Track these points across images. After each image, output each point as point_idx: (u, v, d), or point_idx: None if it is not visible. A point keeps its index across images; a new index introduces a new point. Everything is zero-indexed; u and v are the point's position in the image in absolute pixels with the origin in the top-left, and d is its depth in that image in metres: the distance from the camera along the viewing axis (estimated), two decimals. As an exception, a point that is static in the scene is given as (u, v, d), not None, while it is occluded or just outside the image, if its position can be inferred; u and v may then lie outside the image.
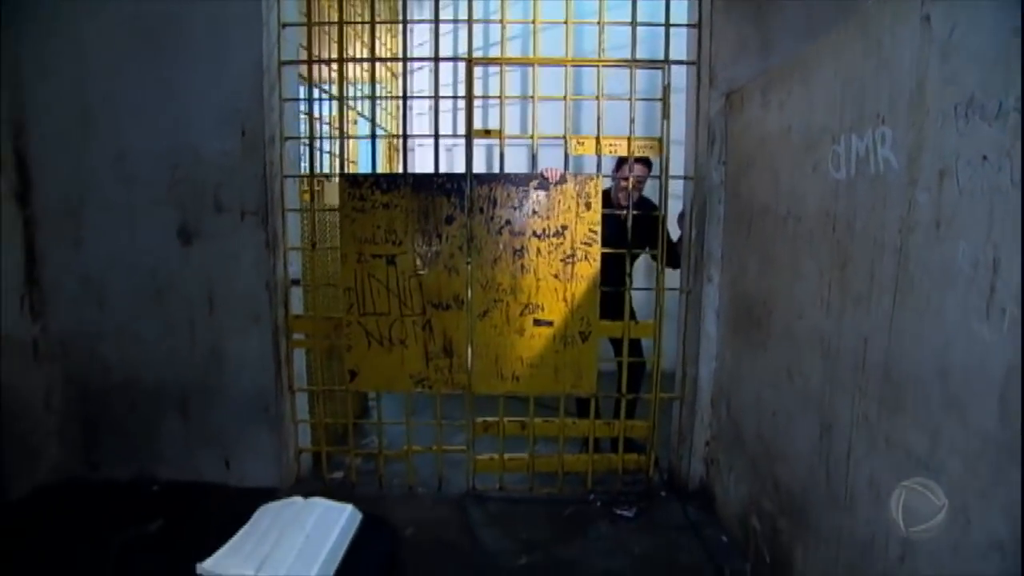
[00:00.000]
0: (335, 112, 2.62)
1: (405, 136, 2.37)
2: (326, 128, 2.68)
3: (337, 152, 2.51)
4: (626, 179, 2.36)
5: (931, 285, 1.11)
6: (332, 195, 2.73)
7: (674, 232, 2.50)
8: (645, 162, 2.43)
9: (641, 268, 2.61)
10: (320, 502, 1.24)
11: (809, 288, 1.56)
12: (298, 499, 1.27)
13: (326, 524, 1.17)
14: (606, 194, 2.54)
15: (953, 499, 1.04)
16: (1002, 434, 0.95)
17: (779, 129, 1.74)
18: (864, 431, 1.31)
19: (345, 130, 2.40)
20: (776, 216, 1.76)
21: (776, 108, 1.77)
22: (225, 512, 2.22)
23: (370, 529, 1.22)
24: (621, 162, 2.44)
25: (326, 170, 2.75)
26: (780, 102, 1.74)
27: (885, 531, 1.23)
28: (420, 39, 2.94)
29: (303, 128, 2.41)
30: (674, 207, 2.44)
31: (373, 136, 2.36)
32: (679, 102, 2.35)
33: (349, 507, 1.23)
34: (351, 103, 2.82)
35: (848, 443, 1.37)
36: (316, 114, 2.41)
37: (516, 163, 2.41)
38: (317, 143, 2.47)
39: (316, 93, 2.44)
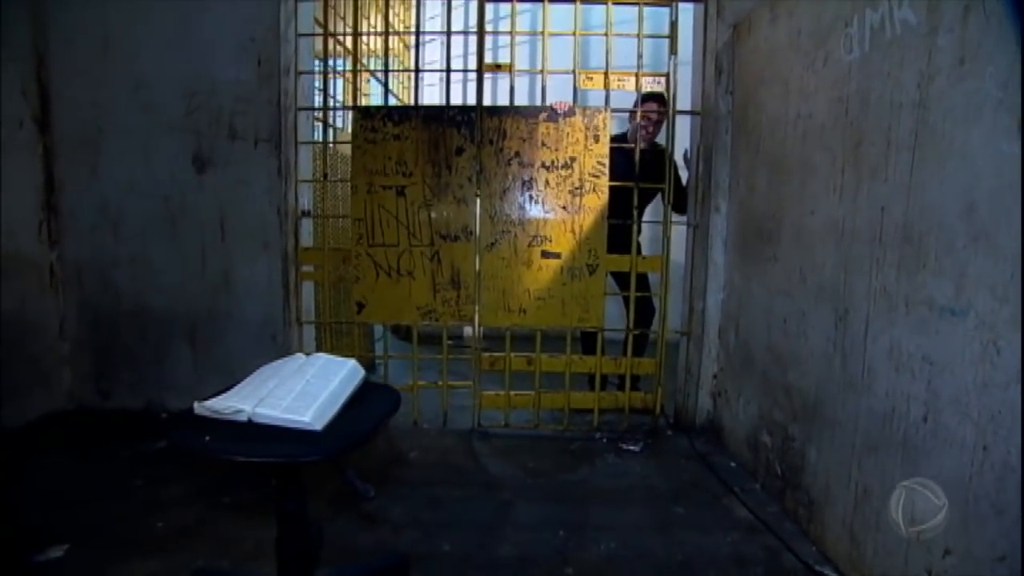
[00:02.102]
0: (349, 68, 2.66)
1: (418, 70, 2.40)
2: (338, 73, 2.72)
3: (350, 92, 2.53)
4: (646, 115, 2.37)
5: (954, 125, 1.09)
6: (344, 140, 2.77)
7: (682, 175, 2.49)
8: (661, 101, 2.43)
9: (649, 214, 2.60)
10: (322, 356, 1.22)
11: (821, 181, 1.54)
12: (300, 355, 1.25)
13: (327, 373, 1.15)
14: (621, 138, 2.55)
15: (982, 335, 1.01)
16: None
17: (788, 37, 1.74)
18: (883, 303, 1.28)
19: (358, 52, 2.41)
20: (786, 123, 1.75)
21: (785, 18, 1.77)
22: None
23: (373, 387, 1.21)
24: (643, 101, 2.44)
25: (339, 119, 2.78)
26: (789, 11, 1.75)
27: (906, 396, 1.20)
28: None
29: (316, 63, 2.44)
30: (680, 149, 2.44)
31: (387, 70, 2.39)
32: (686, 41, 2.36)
33: (352, 361, 1.21)
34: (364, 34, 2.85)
35: (865, 322, 1.34)
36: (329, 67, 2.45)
37: (526, 97, 2.41)
38: (330, 81, 2.50)
39: (331, 43, 2.47)
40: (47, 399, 2.34)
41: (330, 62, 2.49)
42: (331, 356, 1.23)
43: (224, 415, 1.06)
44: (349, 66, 2.51)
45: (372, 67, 3.26)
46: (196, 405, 1.09)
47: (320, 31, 2.40)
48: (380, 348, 2.64)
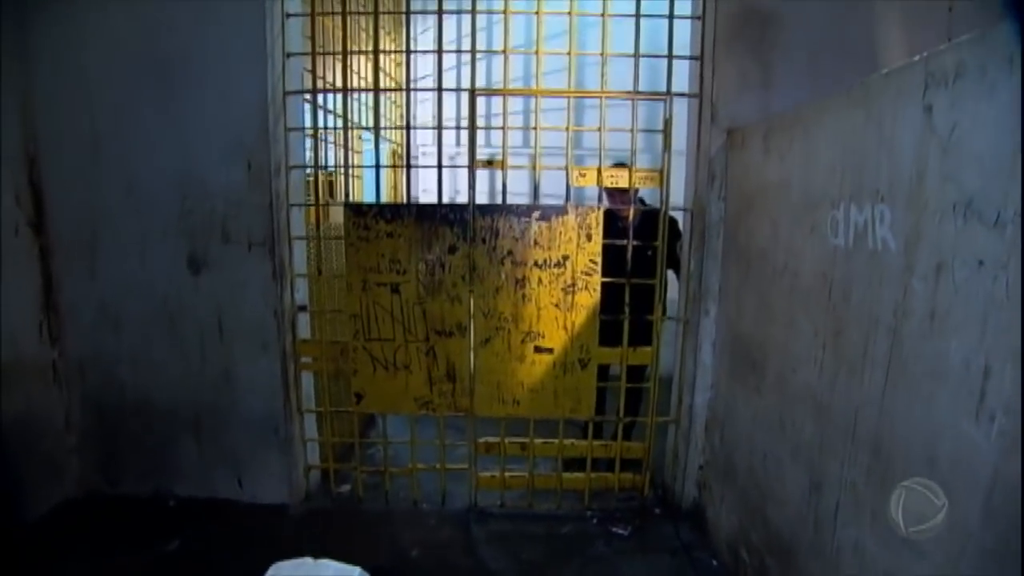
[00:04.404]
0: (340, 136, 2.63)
1: (409, 166, 2.38)
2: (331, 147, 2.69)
3: (342, 178, 2.52)
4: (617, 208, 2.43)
5: (923, 374, 1.13)
6: (338, 215, 2.76)
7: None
8: (625, 168, 2.44)
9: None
10: (330, 564, 1.31)
11: (804, 345, 1.58)
12: (308, 560, 1.34)
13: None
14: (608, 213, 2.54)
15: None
16: (985, 537, 0.99)
17: (779, 180, 1.74)
18: (852, 496, 1.36)
19: (350, 146, 2.39)
20: (774, 266, 1.77)
21: (777, 158, 1.77)
22: (238, 530, 2.34)
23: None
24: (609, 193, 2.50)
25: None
26: (780, 153, 1.74)
27: (869, 594, 1.29)
28: (424, 66, 2.95)
29: (307, 155, 2.43)
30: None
31: (377, 166, 2.37)
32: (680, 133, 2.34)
33: (357, 570, 1.29)
34: (354, 128, 2.81)
35: (836, 503, 1.42)
36: (321, 132, 2.43)
37: (518, 192, 2.41)
38: (322, 167, 2.48)
39: (321, 117, 2.44)
40: (59, 489, 2.45)
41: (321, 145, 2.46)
42: (338, 565, 1.31)
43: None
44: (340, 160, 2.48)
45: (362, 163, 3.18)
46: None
47: (311, 127, 2.36)
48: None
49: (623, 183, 2.33)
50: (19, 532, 2.21)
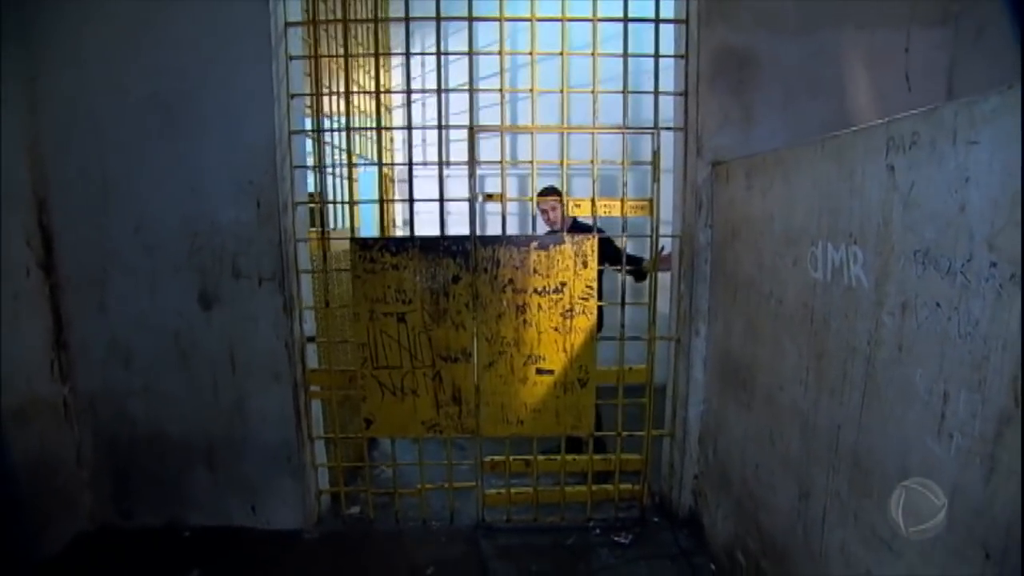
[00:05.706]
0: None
1: (412, 200, 2.49)
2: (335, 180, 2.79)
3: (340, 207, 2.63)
4: (544, 210, 2.83)
5: (894, 397, 1.30)
6: (340, 243, 2.86)
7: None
8: (557, 192, 2.78)
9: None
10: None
11: (790, 366, 1.75)
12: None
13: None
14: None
15: (909, 581, 1.25)
16: (949, 539, 1.15)
17: (762, 215, 1.91)
18: (837, 503, 1.52)
19: (353, 177, 2.50)
20: (760, 292, 1.94)
21: (759, 193, 1.94)
22: (254, 557, 2.41)
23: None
24: (540, 194, 2.74)
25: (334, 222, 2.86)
26: (763, 190, 1.91)
27: (853, 592, 1.45)
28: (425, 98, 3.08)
29: (310, 183, 2.52)
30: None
31: (382, 200, 2.48)
32: (669, 164, 2.52)
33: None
34: (356, 165, 2.91)
35: (823, 510, 1.58)
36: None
37: (511, 213, 2.54)
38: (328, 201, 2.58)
39: (327, 153, 2.54)
40: (73, 524, 2.48)
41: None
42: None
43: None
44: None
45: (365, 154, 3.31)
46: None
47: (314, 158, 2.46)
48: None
49: (615, 212, 2.48)
50: (34, 569, 2.24)
